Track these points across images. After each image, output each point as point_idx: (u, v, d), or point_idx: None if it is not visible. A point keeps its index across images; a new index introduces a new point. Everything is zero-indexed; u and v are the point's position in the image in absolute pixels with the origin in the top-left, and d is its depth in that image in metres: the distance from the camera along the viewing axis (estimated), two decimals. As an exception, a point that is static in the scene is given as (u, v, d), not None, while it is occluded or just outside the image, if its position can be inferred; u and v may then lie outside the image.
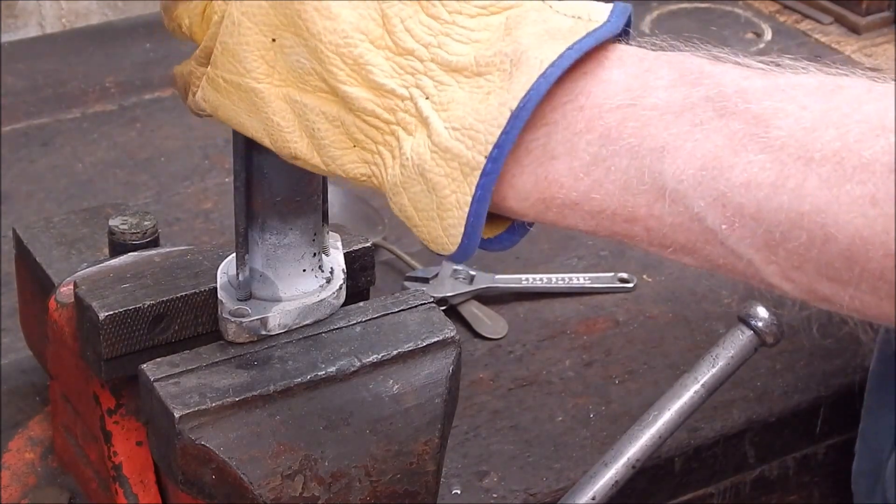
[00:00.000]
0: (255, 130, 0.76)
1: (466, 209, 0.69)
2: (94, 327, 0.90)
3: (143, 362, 0.87)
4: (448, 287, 1.30)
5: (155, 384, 0.85)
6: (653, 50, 0.70)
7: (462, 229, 0.70)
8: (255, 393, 0.85)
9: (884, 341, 1.15)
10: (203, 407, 0.84)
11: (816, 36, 1.82)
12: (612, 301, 1.33)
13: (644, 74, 0.68)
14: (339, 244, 0.93)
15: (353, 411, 0.87)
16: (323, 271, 0.90)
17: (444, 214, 0.70)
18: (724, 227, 0.65)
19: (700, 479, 1.22)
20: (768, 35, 1.81)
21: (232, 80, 0.75)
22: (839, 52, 1.78)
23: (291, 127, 0.74)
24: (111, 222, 1.04)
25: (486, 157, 0.68)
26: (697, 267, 0.69)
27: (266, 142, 0.76)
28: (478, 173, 0.68)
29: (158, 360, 0.87)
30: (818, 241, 0.63)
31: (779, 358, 1.27)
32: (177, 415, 0.83)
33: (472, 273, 1.31)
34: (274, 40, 0.73)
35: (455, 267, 1.31)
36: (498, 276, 1.32)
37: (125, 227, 1.03)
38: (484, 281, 1.31)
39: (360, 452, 0.88)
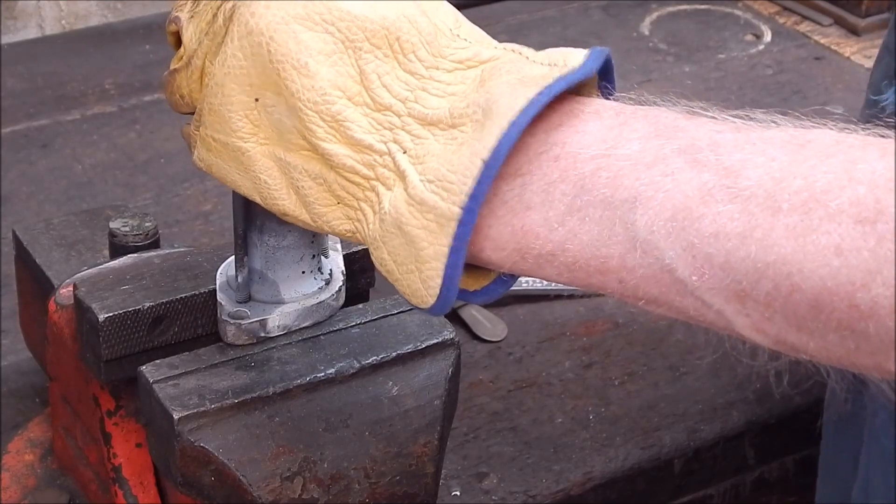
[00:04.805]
0: (245, 188, 0.77)
1: (444, 260, 0.69)
2: (93, 329, 0.90)
3: (143, 364, 0.87)
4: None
5: (154, 386, 0.85)
6: (630, 104, 0.71)
7: (440, 281, 0.70)
8: (254, 395, 0.85)
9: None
10: (202, 409, 0.84)
11: (816, 38, 1.82)
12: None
13: (619, 127, 0.69)
14: (339, 246, 0.94)
15: (353, 413, 0.87)
16: (322, 273, 0.90)
17: (422, 267, 0.71)
18: (694, 277, 0.66)
19: (700, 481, 1.22)
20: (768, 37, 1.81)
21: (220, 139, 0.76)
22: (839, 54, 1.78)
23: (278, 185, 0.76)
24: (112, 224, 1.04)
25: (461, 207, 0.68)
26: (672, 317, 0.70)
27: (257, 199, 0.77)
28: (454, 224, 0.69)
29: (158, 361, 0.87)
30: (784, 291, 0.64)
31: (779, 359, 1.27)
32: (176, 416, 0.83)
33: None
34: (257, 100, 0.75)
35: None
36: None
37: (126, 228, 1.03)
38: (483, 282, 1.31)
39: (359, 454, 0.88)
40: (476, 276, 0.74)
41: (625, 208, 0.67)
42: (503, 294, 0.75)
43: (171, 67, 0.80)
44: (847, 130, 0.66)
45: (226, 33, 0.76)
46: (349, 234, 0.75)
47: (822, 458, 1.19)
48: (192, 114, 0.81)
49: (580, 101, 0.70)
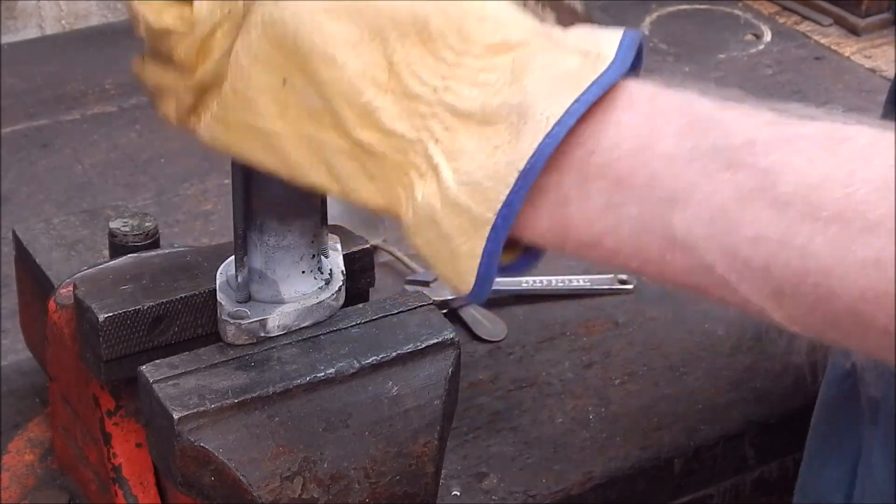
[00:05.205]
0: (270, 164, 0.76)
1: (478, 260, 0.70)
2: (93, 329, 0.90)
3: (143, 364, 0.87)
4: (448, 290, 1.30)
5: (154, 386, 0.85)
6: (663, 87, 0.70)
7: (474, 276, 0.71)
8: (254, 395, 0.85)
9: (826, 397, 1.14)
10: (202, 408, 0.84)
11: (816, 37, 1.82)
12: (612, 302, 1.33)
13: (653, 117, 0.68)
14: (339, 246, 0.93)
15: (353, 413, 0.87)
16: (322, 273, 0.90)
17: (456, 262, 0.71)
18: (734, 277, 0.66)
19: (700, 481, 1.22)
20: (768, 36, 1.81)
21: (244, 121, 0.75)
22: (839, 54, 1.78)
23: (309, 162, 0.75)
24: (112, 224, 1.04)
25: (495, 214, 0.69)
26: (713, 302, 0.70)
27: (282, 174, 0.76)
28: (488, 228, 0.69)
29: (158, 361, 0.87)
30: (824, 298, 0.64)
31: (778, 360, 1.28)
32: (176, 416, 0.83)
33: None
34: (285, 81, 0.73)
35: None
36: (498, 279, 1.31)
37: (126, 228, 1.03)
38: (483, 283, 1.31)
39: (359, 454, 0.88)
40: (508, 249, 0.74)
41: (662, 208, 0.67)
42: (536, 264, 0.75)
43: (168, 25, 0.77)
44: (883, 127, 0.65)
45: (246, 14, 0.74)
46: (382, 210, 0.74)
47: (802, 483, 1.18)
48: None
49: (613, 86, 0.69)
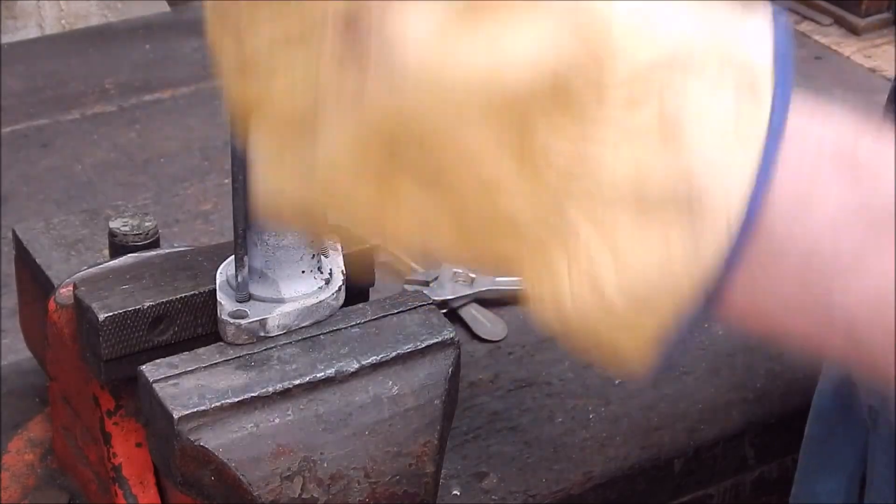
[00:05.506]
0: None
1: (643, 355, 0.60)
2: (93, 328, 0.90)
3: (143, 363, 0.87)
4: (448, 290, 1.30)
5: (154, 385, 0.85)
6: (815, 115, 0.58)
7: (640, 365, 0.61)
8: (254, 394, 0.85)
9: (820, 408, 1.13)
10: (202, 408, 0.84)
11: (816, 37, 1.82)
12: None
13: (815, 169, 0.57)
14: (339, 246, 0.93)
15: (352, 413, 0.87)
16: (322, 272, 0.90)
17: (615, 356, 0.62)
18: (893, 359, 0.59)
19: (700, 481, 1.22)
20: (768, 36, 1.81)
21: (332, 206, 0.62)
22: (839, 54, 1.78)
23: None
24: (112, 224, 1.04)
25: (670, 329, 0.59)
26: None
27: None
28: (655, 336, 0.60)
29: (158, 361, 0.87)
30: None
31: (778, 359, 1.28)
32: (176, 416, 0.83)
33: (473, 276, 1.31)
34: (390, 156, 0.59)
35: (455, 269, 1.31)
36: (498, 279, 1.32)
37: (126, 228, 1.03)
38: (484, 283, 1.31)
39: (359, 454, 0.88)
40: None
41: (820, 285, 0.58)
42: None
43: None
44: None
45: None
46: None
47: (795, 494, 1.17)
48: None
49: None
